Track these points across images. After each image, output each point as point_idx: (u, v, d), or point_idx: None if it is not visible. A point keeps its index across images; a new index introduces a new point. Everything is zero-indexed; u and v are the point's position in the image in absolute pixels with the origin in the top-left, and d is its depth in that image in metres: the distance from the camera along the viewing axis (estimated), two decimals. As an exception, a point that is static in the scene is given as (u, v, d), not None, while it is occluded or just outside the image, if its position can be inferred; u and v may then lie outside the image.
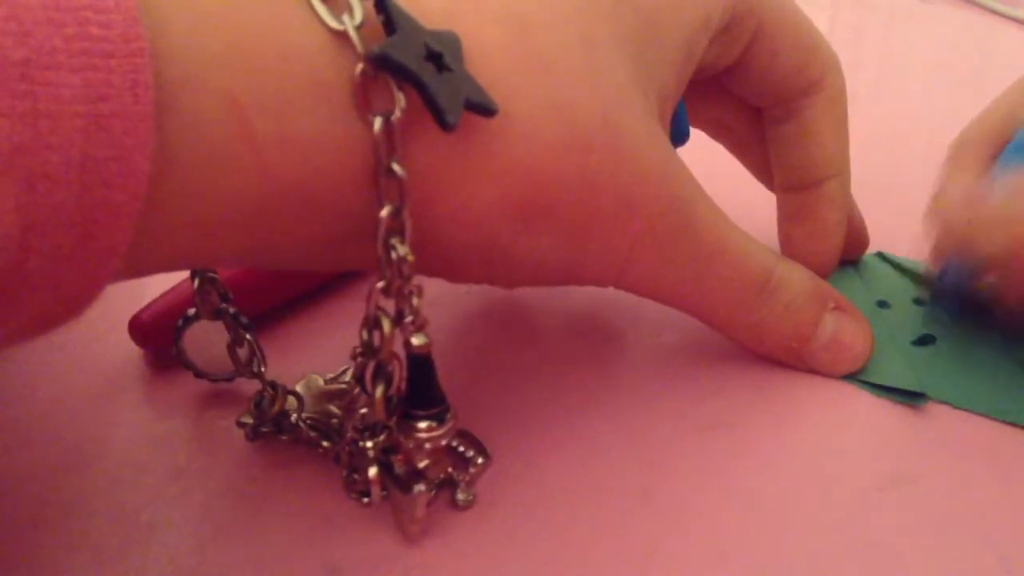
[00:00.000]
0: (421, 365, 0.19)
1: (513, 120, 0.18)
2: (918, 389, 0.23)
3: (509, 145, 0.18)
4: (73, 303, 0.14)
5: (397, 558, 0.19)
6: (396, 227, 0.17)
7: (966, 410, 0.23)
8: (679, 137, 0.27)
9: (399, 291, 0.18)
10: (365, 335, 0.19)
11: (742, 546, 0.20)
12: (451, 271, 0.21)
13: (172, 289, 0.25)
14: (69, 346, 0.26)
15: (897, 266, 0.29)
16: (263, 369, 0.23)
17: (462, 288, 0.28)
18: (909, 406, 0.23)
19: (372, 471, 0.20)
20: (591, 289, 0.28)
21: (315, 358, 0.25)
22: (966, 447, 0.22)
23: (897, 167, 0.36)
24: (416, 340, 0.19)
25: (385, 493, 0.20)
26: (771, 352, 0.25)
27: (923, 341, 0.26)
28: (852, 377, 0.24)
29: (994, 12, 0.49)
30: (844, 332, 0.24)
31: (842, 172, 0.27)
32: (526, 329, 0.27)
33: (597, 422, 0.23)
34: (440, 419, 0.19)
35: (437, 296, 0.28)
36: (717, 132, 0.29)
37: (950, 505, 0.20)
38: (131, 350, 0.25)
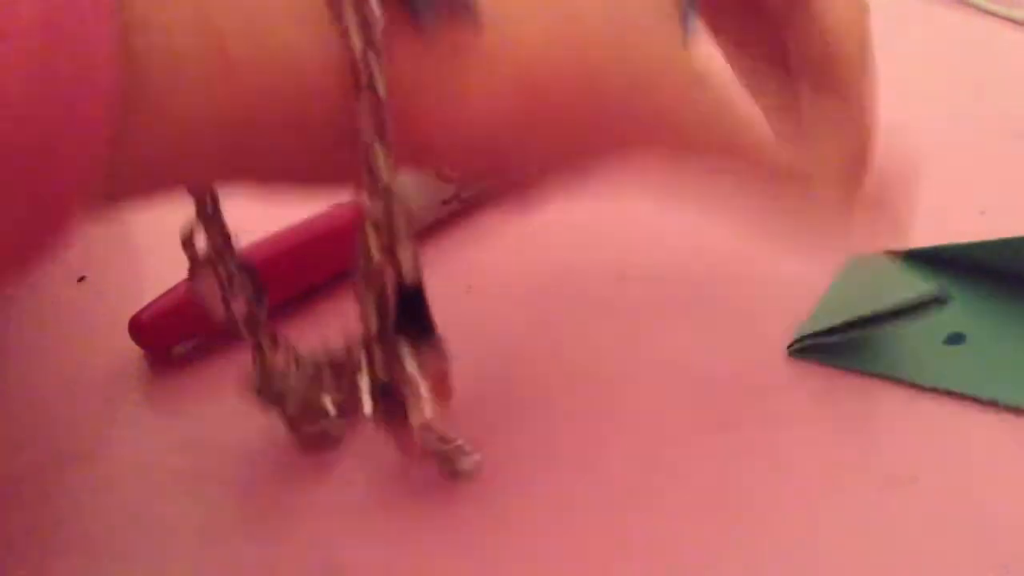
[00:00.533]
0: (411, 293, 0.19)
1: (503, 19, 0.18)
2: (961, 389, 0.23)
3: (502, 45, 0.18)
4: (50, 217, 0.14)
5: (397, 558, 0.19)
6: (379, 137, 0.17)
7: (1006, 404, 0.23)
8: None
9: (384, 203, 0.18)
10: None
11: (742, 546, 0.20)
12: (458, 170, 0.21)
13: (172, 289, 0.25)
14: (69, 346, 0.26)
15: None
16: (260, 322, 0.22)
17: (462, 288, 0.28)
18: (911, 405, 0.23)
19: (363, 381, 0.19)
20: (592, 289, 0.28)
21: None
22: (966, 447, 0.22)
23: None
24: (405, 264, 0.19)
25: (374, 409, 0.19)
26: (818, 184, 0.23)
27: (953, 340, 0.25)
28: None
29: (991, 14, 0.49)
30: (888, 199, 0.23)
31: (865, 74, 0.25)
32: (526, 330, 0.27)
33: (598, 423, 0.23)
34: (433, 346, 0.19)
35: (437, 296, 0.28)
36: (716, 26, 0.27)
37: (950, 505, 0.20)
38: (131, 350, 0.25)
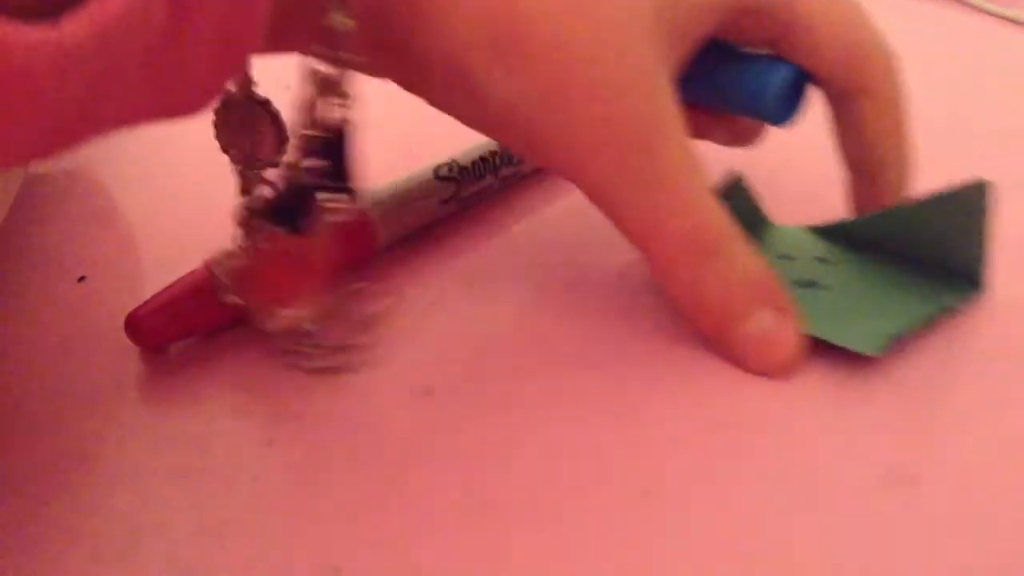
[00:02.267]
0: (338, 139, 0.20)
1: None
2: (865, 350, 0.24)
3: None
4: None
5: (397, 558, 0.19)
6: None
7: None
8: (787, 109, 0.26)
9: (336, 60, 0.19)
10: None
11: (742, 546, 0.20)
12: (430, 93, 0.22)
13: (167, 288, 0.25)
14: (69, 346, 0.26)
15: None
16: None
17: (462, 288, 0.28)
18: (910, 405, 0.23)
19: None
20: (593, 290, 0.28)
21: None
22: (967, 447, 0.22)
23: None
24: (337, 113, 0.20)
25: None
26: (700, 323, 0.24)
27: (808, 286, 0.27)
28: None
29: (989, 13, 0.49)
30: (778, 334, 0.24)
31: (894, 167, 0.27)
32: (526, 330, 0.27)
33: (597, 422, 0.23)
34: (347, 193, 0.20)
35: (437, 296, 0.28)
36: None
37: (950, 505, 0.21)
38: (131, 349, 0.25)
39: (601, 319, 0.27)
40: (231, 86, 0.22)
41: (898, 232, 0.28)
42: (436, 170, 0.30)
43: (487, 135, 0.26)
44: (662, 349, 0.26)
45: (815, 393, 0.24)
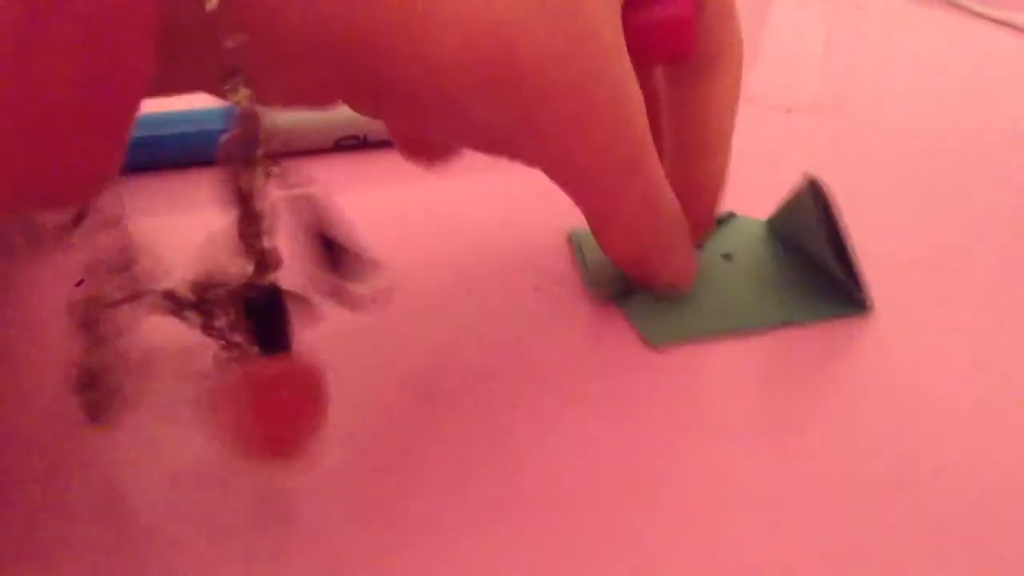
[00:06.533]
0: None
1: None
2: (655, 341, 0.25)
3: None
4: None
5: (397, 560, 0.19)
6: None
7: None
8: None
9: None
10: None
11: (743, 548, 0.20)
12: (411, 121, 0.21)
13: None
14: (69, 346, 0.26)
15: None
16: None
17: (461, 289, 0.28)
18: (911, 407, 0.23)
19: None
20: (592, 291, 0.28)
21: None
22: (967, 447, 0.22)
23: (892, 171, 0.36)
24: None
25: None
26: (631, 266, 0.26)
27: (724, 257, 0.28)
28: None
29: (986, 18, 0.50)
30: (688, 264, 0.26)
31: (720, 151, 0.28)
32: (525, 331, 0.27)
33: (598, 425, 0.23)
34: None
35: (437, 295, 0.28)
36: None
37: (951, 506, 0.21)
38: (128, 352, 0.25)
39: (601, 319, 0.27)
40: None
41: (785, 232, 0.29)
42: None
43: (467, 148, 0.26)
44: (664, 352, 0.26)
45: (815, 393, 0.24)
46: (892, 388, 0.24)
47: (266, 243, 0.18)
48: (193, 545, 0.20)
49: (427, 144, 0.26)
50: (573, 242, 0.28)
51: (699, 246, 0.29)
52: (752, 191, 0.30)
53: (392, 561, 0.19)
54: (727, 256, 0.29)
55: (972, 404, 0.23)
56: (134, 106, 0.15)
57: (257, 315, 0.18)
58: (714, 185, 0.28)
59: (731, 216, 0.31)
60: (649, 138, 0.24)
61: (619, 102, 0.22)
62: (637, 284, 0.27)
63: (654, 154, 0.24)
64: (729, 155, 0.28)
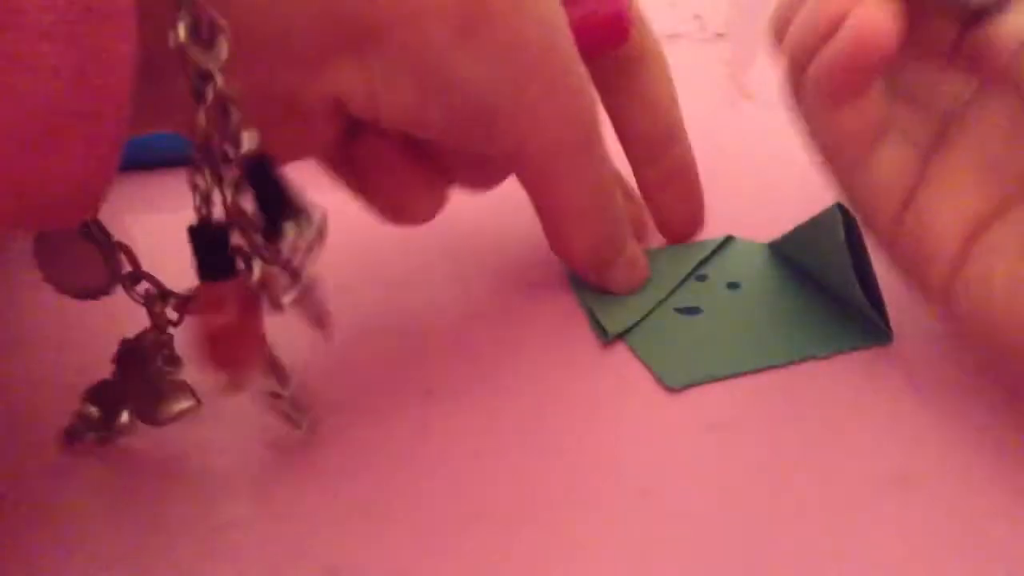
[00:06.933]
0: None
1: None
2: (610, 330, 0.25)
3: None
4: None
5: (396, 558, 0.19)
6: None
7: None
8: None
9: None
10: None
11: (742, 547, 0.20)
12: (395, 94, 0.21)
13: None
14: (69, 348, 0.26)
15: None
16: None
17: (461, 290, 0.28)
18: (910, 407, 0.23)
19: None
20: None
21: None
22: (967, 448, 0.22)
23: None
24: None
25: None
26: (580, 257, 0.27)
27: (689, 312, 0.27)
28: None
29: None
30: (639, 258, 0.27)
31: (675, 142, 0.28)
32: (524, 332, 0.27)
33: (597, 424, 0.23)
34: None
35: (436, 296, 0.28)
36: None
37: (951, 506, 0.21)
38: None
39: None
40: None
41: (801, 259, 0.28)
42: None
43: (442, 130, 0.25)
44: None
45: (814, 393, 0.24)
46: (894, 386, 0.24)
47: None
48: (188, 540, 0.20)
49: (409, 200, 0.26)
50: (573, 286, 0.28)
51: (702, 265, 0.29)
52: (753, 191, 0.30)
53: (392, 560, 0.19)
54: (733, 285, 0.28)
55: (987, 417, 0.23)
56: (118, 133, 0.16)
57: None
58: (684, 173, 0.28)
59: (730, 240, 0.30)
60: (600, 129, 0.24)
61: (577, 76, 0.23)
62: (644, 321, 0.26)
63: (605, 144, 0.25)
64: (687, 145, 0.28)
